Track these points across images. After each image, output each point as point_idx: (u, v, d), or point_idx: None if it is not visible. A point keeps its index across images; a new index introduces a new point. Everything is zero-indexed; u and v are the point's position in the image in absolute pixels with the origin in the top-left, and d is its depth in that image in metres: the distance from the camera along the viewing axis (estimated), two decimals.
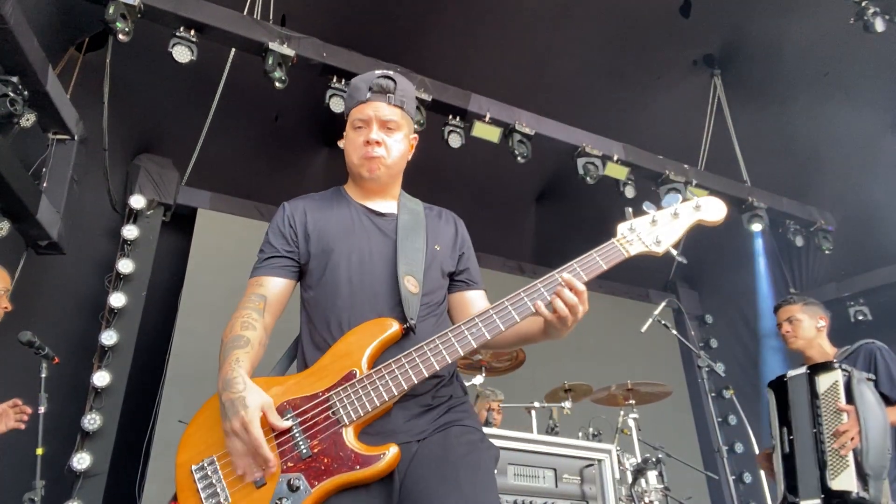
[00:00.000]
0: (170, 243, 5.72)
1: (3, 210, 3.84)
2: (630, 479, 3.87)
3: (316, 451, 1.42)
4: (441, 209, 1.88)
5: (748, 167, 6.51)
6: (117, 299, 4.92)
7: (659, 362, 7.05)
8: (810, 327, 3.24)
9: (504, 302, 1.52)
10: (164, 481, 4.67)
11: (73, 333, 4.89)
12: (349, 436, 1.44)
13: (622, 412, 4.45)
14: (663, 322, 4.35)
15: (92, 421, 4.52)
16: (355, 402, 1.45)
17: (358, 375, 1.48)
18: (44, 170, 4.22)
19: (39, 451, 3.24)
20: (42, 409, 3.25)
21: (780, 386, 3.16)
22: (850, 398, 2.84)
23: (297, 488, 1.38)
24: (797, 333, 3.25)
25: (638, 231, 1.61)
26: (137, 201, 5.26)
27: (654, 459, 3.95)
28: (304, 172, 6.32)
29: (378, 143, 1.68)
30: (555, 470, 3.44)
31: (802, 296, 3.45)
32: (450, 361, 1.49)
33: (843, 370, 2.89)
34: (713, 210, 1.64)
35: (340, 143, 1.79)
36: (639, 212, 1.64)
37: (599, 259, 1.56)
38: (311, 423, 1.45)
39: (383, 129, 1.69)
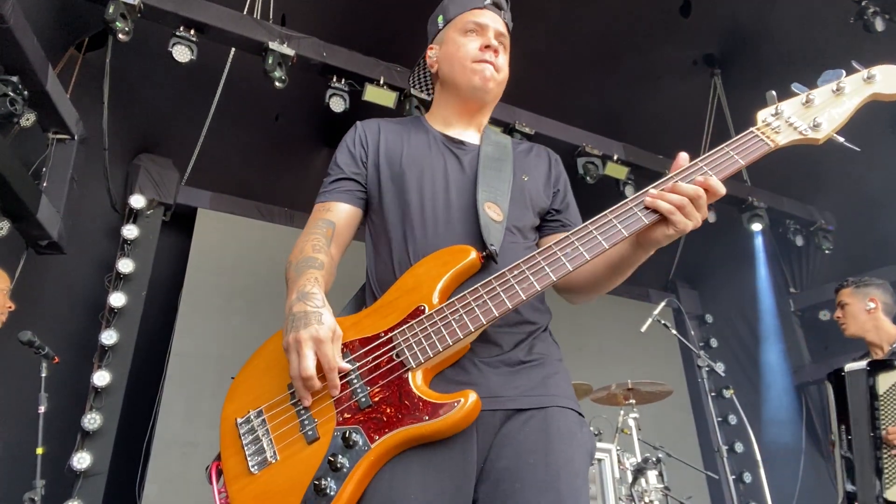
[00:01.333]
0: (170, 243, 5.72)
1: (4, 210, 3.84)
2: (630, 479, 3.87)
3: (377, 399, 1.19)
4: (533, 144, 1.65)
5: (748, 167, 6.50)
6: (117, 299, 4.92)
7: (659, 362, 7.05)
8: (859, 310, 3.05)
9: (607, 214, 1.25)
10: (164, 481, 4.67)
11: (73, 333, 4.89)
12: (417, 381, 1.19)
13: (622, 412, 4.45)
14: (663, 322, 4.35)
15: (92, 420, 4.52)
16: (423, 341, 1.20)
17: (427, 311, 1.24)
18: (44, 169, 4.22)
19: (39, 450, 3.24)
20: (42, 409, 3.25)
21: (837, 380, 2.94)
22: None
23: (355, 443, 1.15)
24: (845, 319, 3.09)
25: (787, 115, 1.24)
26: (137, 201, 5.25)
27: (654, 459, 3.96)
28: (304, 172, 6.32)
29: (496, 51, 1.50)
30: None
31: (861, 278, 3.20)
32: (539, 289, 1.21)
33: None
34: (892, 80, 1.26)
35: (431, 52, 1.59)
36: (785, 96, 1.26)
37: (734, 154, 1.24)
38: (371, 366, 1.22)
39: (498, 41, 1.52)
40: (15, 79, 3.63)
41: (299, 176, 6.28)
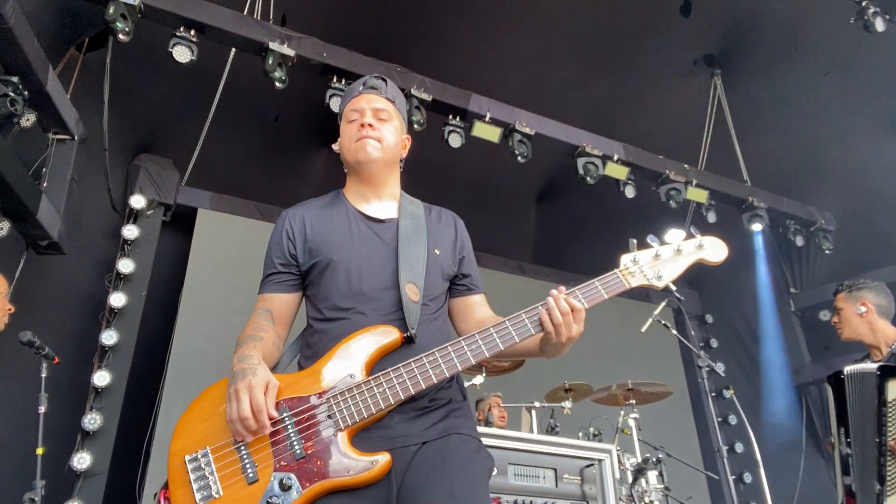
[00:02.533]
0: (170, 243, 5.72)
1: (4, 210, 3.84)
2: (630, 479, 3.87)
3: (309, 452, 1.43)
4: (441, 210, 1.88)
5: (748, 167, 6.51)
6: (117, 299, 4.92)
7: (659, 362, 7.05)
8: (852, 315, 3.08)
9: (505, 322, 1.55)
10: (164, 481, 4.67)
11: (73, 333, 4.89)
12: (342, 440, 1.44)
13: (622, 412, 4.45)
14: (663, 322, 4.35)
15: (92, 421, 4.53)
16: (351, 407, 1.46)
17: (356, 380, 1.49)
18: (44, 170, 4.22)
19: (40, 450, 3.24)
20: (42, 409, 3.25)
21: (837, 382, 2.90)
22: None
23: (289, 487, 1.39)
24: (841, 323, 3.13)
25: (640, 264, 1.65)
26: (137, 201, 5.26)
27: (654, 459, 3.95)
28: (304, 172, 6.32)
29: (371, 126, 1.72)
30: (555, 470, 3.44)
31: (856, 281, 3.20)
32: (447, 376, 1.51)
33: None
34: (715, 250, 1.69)
35: (335, 146, 1.83)
36: (642, 244, 1.69)
37: (601, 288, 1.60)
38: (306, 423, 1.46)
39: (375, 118, 1.74)
40: (15, 79, 3.63)
41: (299, 176, 6.28)
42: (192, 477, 1.43)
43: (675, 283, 1.67)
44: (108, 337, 4.76)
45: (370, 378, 1.49)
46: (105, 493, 4.48)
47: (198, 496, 1.40)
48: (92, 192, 5.01)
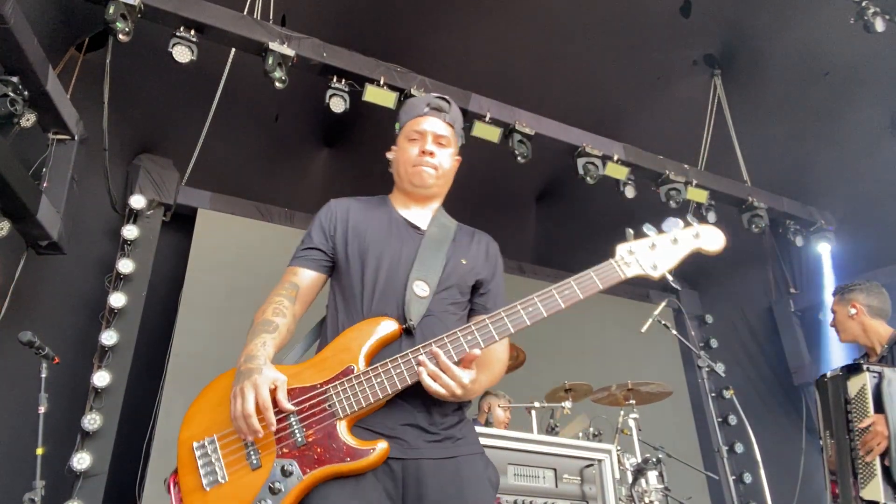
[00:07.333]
0: (170, 243, 5.72)
1: (4, 210, 3.84)
2: (630, 479, 3.87)
3: (310, 440, 1.49)
4: (478, 231, 1.95)
5: (748, 167, 6.51)
6: (117, 299, 4.92)
7: (659, 362, 7.05)
8: (844, 318, 3.10)
9: (517, 304, 1.58)
10: (164, 481, 4.67)
11: (73, 333, 4.89)
12: (342, 429, 1.50)
13: (622, 412, 4.45)
14: (663, 322, 4.34)
15: (92, 421, 4.53)
16: (350, 397, 1.52)
17: (355, 371, 1.55)
18: (44, 170, 4.22)
19: (40, 450, 3.24)
20: (42, 409, 3.25)
21: (821, 385, 2.99)
22: (879, 403, 2.63)
23: (290, 473, 1.46)
24: (837, 328, 3.16)
25: (637, 254, 1.66)
26: (137, 201, 5.26)
27: (654, 459, 3.95)
28: (304, 172, 6.32)
29: (432, 154, 1.81)
30: (555, 470, 3.44)
31: (848, 284, 3.21)
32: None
33: (872, 372, 2.69)
34: (712, 239, 1.70)
35: (390, 154, 1.91)
36: (639, 233, 1.69)
37: (596, 278, 1.62)
38: (308, 412, 1.52)
39: (436, 143, 1.83)
40: (15, 79, 3.63)
41: (299, 176, 6.28)
42: (199, 463, 1.51)
43: (671, 272, 1.68)
44: (108, 337, 4.76)
45: (369, 368, 1.55)
46: (105, 493, 4.48)
47: (204, 481, 1.49)
48: (92, 192, 5.01)
